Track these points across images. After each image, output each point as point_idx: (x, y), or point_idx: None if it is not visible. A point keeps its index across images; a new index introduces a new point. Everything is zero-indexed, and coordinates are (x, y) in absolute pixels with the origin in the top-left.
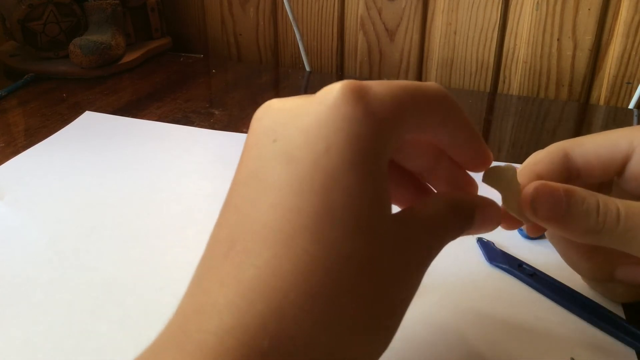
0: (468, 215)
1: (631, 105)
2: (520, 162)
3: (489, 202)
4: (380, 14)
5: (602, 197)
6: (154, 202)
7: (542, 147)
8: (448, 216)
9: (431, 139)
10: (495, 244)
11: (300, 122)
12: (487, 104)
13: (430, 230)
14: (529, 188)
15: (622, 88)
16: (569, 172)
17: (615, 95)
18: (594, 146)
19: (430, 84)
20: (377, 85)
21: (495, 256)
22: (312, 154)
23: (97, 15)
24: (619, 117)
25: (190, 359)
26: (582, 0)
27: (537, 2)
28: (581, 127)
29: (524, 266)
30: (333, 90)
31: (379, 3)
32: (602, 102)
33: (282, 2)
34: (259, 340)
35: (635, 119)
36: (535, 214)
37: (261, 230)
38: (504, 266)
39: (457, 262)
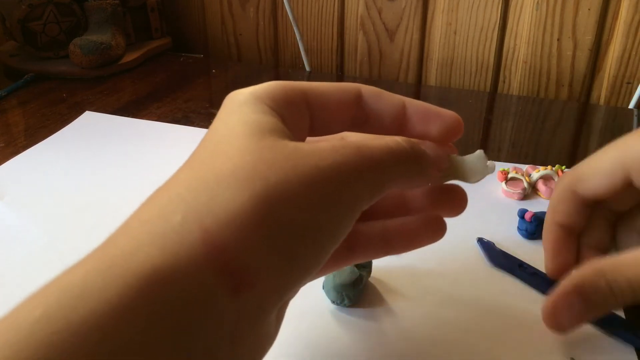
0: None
1: (631, 105)
2: (520, 162)
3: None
4: (380, 14)
5: (609, 272)
6: None
7: (542, 147)
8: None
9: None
10: (496, 244)
11: None
12: (487, 104)
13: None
14: (547, 310)
15: (622, 88)
16: (586, 207)
17: (615, 95)
18: (594, 181)
19: None
20: None
21: (496, 256)
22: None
23: (97, 15)
24: (619, 117)
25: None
26: (582, 0)
27: (537, 2)
28: (581, 127)
29: (524, 266)
30: None
31: (379, 3)
32: (602, 102)
33: (282, 2)
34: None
35: (635, 119)
36: (563, 330)
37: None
38: (504, 266)
39: (457, 262)
